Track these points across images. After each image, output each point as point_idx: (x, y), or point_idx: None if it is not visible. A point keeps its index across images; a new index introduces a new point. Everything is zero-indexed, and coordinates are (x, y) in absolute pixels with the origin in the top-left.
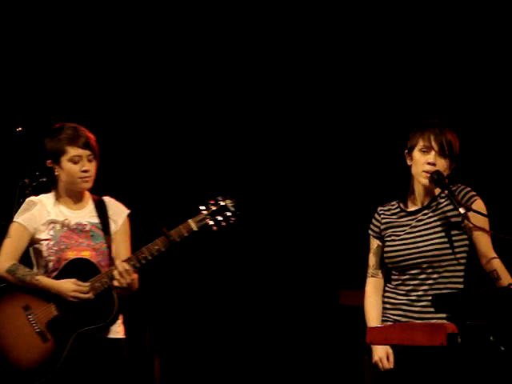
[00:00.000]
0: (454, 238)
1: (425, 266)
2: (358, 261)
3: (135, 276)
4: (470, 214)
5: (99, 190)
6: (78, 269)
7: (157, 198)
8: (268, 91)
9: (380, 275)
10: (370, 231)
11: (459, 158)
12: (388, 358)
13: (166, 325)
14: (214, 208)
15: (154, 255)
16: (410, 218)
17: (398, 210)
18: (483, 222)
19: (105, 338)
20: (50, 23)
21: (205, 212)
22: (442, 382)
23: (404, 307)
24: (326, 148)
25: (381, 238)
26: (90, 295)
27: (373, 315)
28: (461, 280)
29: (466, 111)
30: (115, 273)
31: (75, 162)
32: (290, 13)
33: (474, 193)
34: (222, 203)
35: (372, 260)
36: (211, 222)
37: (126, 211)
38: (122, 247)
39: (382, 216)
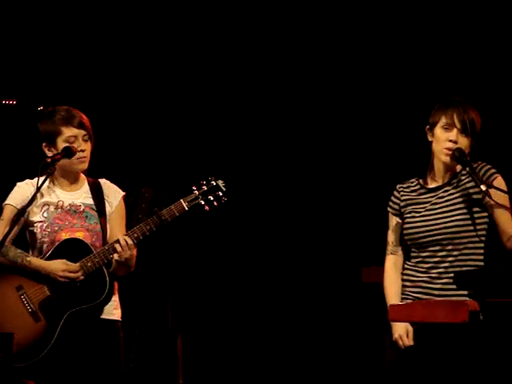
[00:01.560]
0: (474, 215)
1: (445, 242)
2: (380, 238)
3: (135, 252)
4: (491, 190)
5: (93, 172)
6: (71, 249)
7: (150, 179)
8: (266, 80)
9: (399, 252)
10: (388, 208)
11: (480, 135)
12: (408, 335)
13: (188, 304)
14: (205, 188)
15: (146, 235)
16: (430, 194)
17: (418, 187)
18: (504, 199)
19: (99, 318)
20: (48, 17)
21: (196, 192)
22: (463, 359)
23: (424, 284)
24: (346, 124)
25: (400, 215)
26: (79, 274)
27: (392, 292)
28: (481, 257)
29: (486, 89)
30: (117, 246)
31: (71, 143)
32: (289, 12)
33: (494, 170)
34: (213, 183)
35: (391, 237)
36: (203, 202)
37: (122, 193)
38: (116, 229)
39: (401, 193)
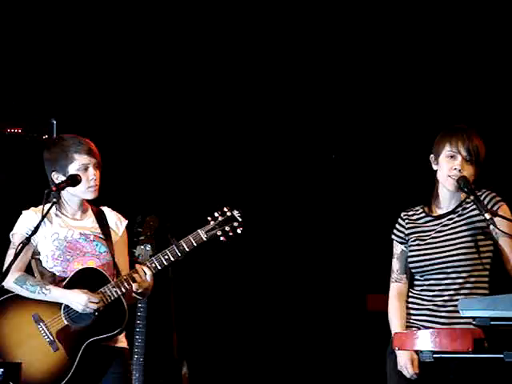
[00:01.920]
0: (479, 244)
1: (449, 270)
2: (385, 266)
3: (152, 282)
4: (496, 219)
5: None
6: (87, 278)
7: (163, 209)
8: (275, 101)
9: (404, 280)
10: (393, 236)
11: (485, 163)
12: (413, 363)
13: (194, 331)
14: (221, 218)
15: (165, 265)
16: (435, 222)
17: (423, 214)
18: (509, 227)
19: (113, 346)
20: (49, 22)
21: (213, 222)
22: None
23: (429, 312)
24: (351, 151)
25: (405, 242)
26: (100, 305)
27: (397, 320)
28: (486, 285)
29: (488, 116)
30: (136, 276)
31: (85, 170)
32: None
33: (499, 198)
34: (228, 214)
35: (396, 265)
36: (219, 233)
37: (125, 221)
38: (120, 257)
39: (406, 221)
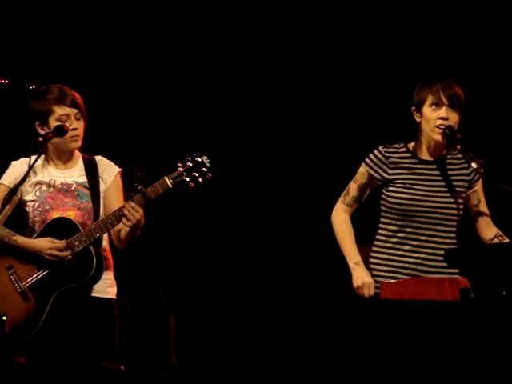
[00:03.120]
0: (462, 195)
1: (436, 221)
2: (363, 217)
3: (142, 213)
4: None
5: (88, 150)
6: (59, 228)
7: (136, 156)
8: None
9: (353, 208)
10: (367, 165)
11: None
12: (369, 287)
13: (181, 282)
14: (190, 164)
15: None
16: (423, 167)
17: (409, 155)
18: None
19: (90, 296)
20: None
21: (181, 169)
22: (454, 337)
23: (413, 261)
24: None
25: (381, 180)
26: (67, 253)
27: (353, 245)
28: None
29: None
30: (125, 210)
31: (63, 121)
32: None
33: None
34: (198, 159)
35: (354, 191)
36: (187, 179)
37: (117, 169)
38: (112, 205)
39: (389, 159)
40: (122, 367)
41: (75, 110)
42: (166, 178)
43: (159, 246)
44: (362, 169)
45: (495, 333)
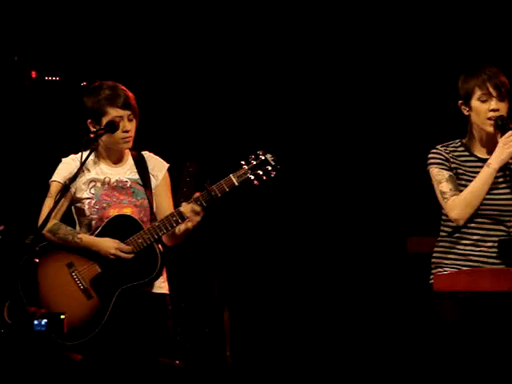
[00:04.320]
0: None
1: (496, 216)
2: (425, 207)
3: (203, 214)
4: None
5: (138, 145)
6: (120, 225)
7: (198, 154)
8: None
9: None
10: (434, 166)
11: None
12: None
13: (235, 276)
14: (254, 162)
15: None
16: (479, 164)
17: (467, 153)
18: None
19: (149, 292)
20: None
21: (246, 167)
22: (508, 327)
23: (477, 253)
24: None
25: (452, 171)
26: (130, 255)
27: None
28: None
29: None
30: (184, 211)
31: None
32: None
33: None
34: (262, 157)
35: (447, 186)
36: (252, 177)
37: (166, 165)
38: (164, 201)
39: (450, 155)
40: (178, 362)
41: (128, 112)
42: (231, 175)
43: (213, 241)
44: (434, 170)
45: None
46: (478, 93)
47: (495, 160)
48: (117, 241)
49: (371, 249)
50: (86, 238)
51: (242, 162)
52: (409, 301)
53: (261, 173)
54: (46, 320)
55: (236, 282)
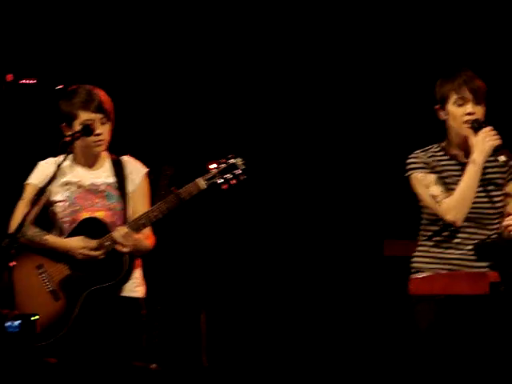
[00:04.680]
0: (499, 192)
1: (476, 219)
2: (402, 210)
3: (139, 237)
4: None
5: (117, 150)
6: (90, 228)
7: (167, 157)
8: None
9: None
10: (417, 171)
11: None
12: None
13: (212, 279)
14: (223, 166)
15: (165, 213)
16: (463, 167)
17: (447, 157)
18: None
19: (119, 296)
20: None
21: (214, 170)
22: (484, 330)
23: (457, 257)
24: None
25: (436, 173)
26: (99, 253)
27: None
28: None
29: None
30: (116, 237)
31: None
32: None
33: None
34: (231, 161)
35: (436, 190)
36: (220, 181)
37: (144, 170)
38: (140, 206)
39: (430, 159)
40: (154, 365)
41: (100, 115)
42: (199, 179)
43: (189, 244)
44: (418, 175)
45: None
46: (453, 97)
47: (478, 155)
48: (83, 238)
49: (348, 252)
50: (53, 239)
51: (212, 166)
52: (385, 304)
53: (229, 176)
54: (19, 321)
55: (213, 284)
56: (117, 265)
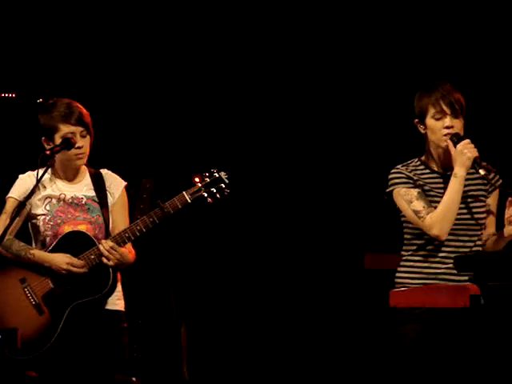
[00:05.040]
0: (482, 204)
1: (460, 232)
2: (383, 224)
3: (124, 250)
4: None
5: (93, 163)
6: (74, 242)
7: (152, 171)
8: (268, 75)
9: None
10: (400, 186)
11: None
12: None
13: (192, 293)
14: (208, 180)
15: (149, 227)
16: (441, 180)
17: (428, 171)
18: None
19: (103, 309)
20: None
21: (199, 184)
22: (465, 344)
23: (443, 271)
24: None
25: (418, 188)
26: (83, 269)
27: None
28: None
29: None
30: (102, 250)
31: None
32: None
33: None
34: (216, 175)
35: (419, 204)
36: (205, 194)
37: (123, 183)
38: (119, 219)
39: (412, 173)
40: (134, 379)
41: (80, 128)
42: (184, 193)
43: (169, 257)
44: (401, 190)
45: (506, 340)
46: (431, 111)
47: (459, 168)
48: (69, 255)
49: (329, 265)
50: (39, 254)
51: (196, 180)
52: (366, 317)
53: (214, 190)
54: None
55: (193, 297)
56: (101, 278)
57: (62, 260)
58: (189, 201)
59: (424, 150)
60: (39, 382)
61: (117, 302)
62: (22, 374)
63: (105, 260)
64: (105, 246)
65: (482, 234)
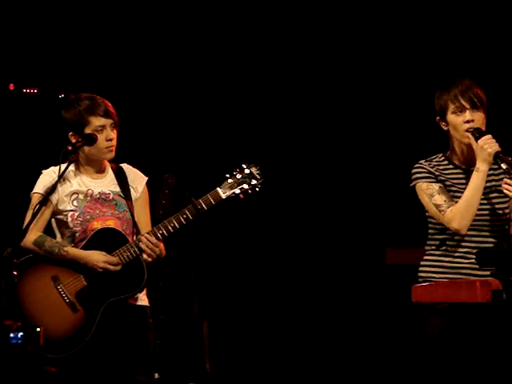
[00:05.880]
0: (505, 200)
1: (484, 228)
2: (404, 219)
3: (162, 246)
4: None
5: (116, 157)
6: (106, 238)
7: (183, 167)
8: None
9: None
10: (422, 180)
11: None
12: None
13: (214, 289)
14: (239, 176)
15: (183, 224)
16: (467, 176)
17: (452, 166)
18: None
19: (132, 304)
20: None
21: (231, 180)
22: (487, 338)
23: (466, 266)
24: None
25: (440, 182)
26: (118, 266)
27: None
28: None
29: None
30: (142, 246)
31: (98, 132)
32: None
33: None
34: (247, 171)
35: (440, 199)
36: (238, 191)
37: (145, 178)
38: (142, 215)
39: (434, 168)
40: (156, 375)
41: (110, 121)
42: (217, 189)
43: (192, 253)
44: (423, 184)
45: None
46: (451, 107)
47: (481, 163)
48: (104, 253)
49: (350, 260)
50: (73, 251)
51: (227, 175)
52: (388, 312)
53: (246, 187)
54: (21, 333)
55: (215, 293)
56: (135, 275)
57: (98, 258)
58: (223, 197)
59: (448, 145)
60: (59, 378)
61: (143, 297)
62: (42, 369)
63: (145, 256)
64: (147, 241)
65: (506, 228)
